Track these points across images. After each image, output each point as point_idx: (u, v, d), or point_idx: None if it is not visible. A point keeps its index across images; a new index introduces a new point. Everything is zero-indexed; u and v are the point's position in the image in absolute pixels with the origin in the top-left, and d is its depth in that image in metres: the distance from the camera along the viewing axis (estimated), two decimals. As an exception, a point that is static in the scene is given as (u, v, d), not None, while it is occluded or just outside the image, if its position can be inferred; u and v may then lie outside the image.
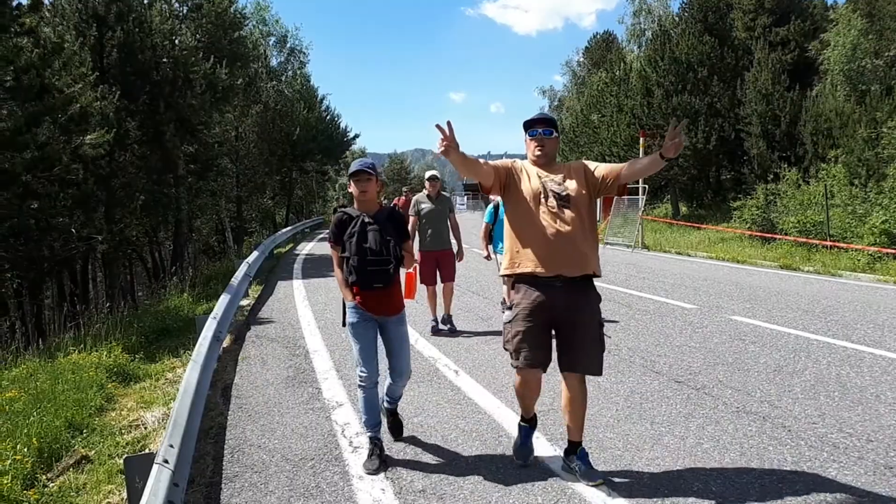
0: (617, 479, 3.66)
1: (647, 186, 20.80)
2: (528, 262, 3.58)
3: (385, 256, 3.90)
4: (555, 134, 3.78)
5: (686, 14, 29.16)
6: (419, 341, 7.22)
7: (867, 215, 14.44)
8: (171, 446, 3.42)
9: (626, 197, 21.80)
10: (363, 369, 4.05)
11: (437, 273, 7.72)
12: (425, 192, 7.66)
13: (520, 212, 3.66)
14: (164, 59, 17.63)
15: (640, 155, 20.71)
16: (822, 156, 20.50)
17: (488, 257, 7.57)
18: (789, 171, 19.47)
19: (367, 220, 3.94)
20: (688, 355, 6.37)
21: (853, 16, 25.37)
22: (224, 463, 4.13)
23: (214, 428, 4.79)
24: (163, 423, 4.98)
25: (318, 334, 7.77)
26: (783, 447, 4.06)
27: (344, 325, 4.09)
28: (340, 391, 5.48)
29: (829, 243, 14.65)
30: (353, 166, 4.02)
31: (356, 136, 43.57)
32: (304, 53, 39.89)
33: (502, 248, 6.36)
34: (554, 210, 3.56)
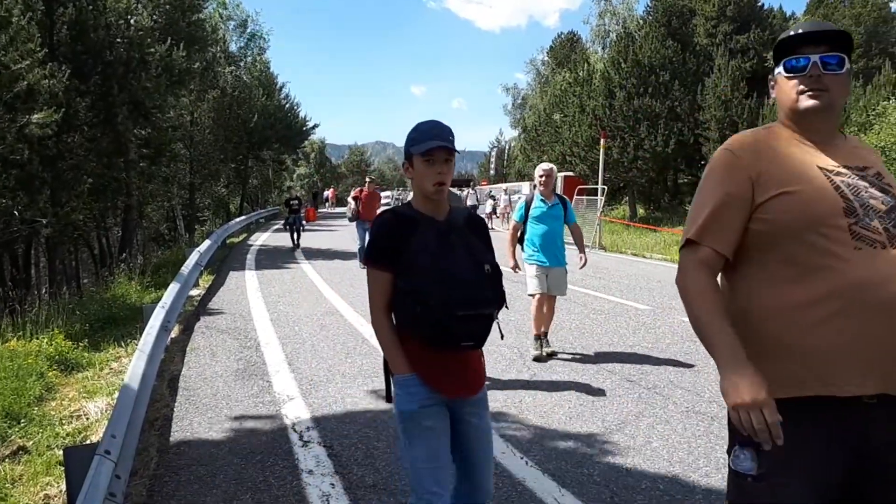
0: (568, 477, 3.66)
1: (605, 188, 21.05)
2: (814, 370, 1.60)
3: (486, 291, 2.32)
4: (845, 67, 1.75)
5: (650, 18, 29.62)
6: (373, 337, 7.12)
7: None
8: (114, 437, 3.29)
9: (584, 198, 22.08)
10: (435, 488, 2.30)
11: None
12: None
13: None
14: (119, 39, 17.06)
15: (601, 156, 20.93)
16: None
17: (516, 268, 6.11)
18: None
19: (445, 226, 2.37)
20: (640, 355, 6.44)
21: (810, 28, 26.08)
22: (169, 455, 4.01)
23: (160, 420, 4.64)
24: (106, 413, 4.81)
25: (270, 327, 7.63)
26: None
27: (389, 400, 2.48)
28: (292, 385, 5.38)
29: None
30: (422, 136, 2.31)
31: (315, 125, 42.98)
32: (265, 39, 39.15)
33: (532, 254, 6.17)
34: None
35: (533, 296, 6.19)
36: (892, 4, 37.76)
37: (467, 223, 2.48)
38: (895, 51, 30.00)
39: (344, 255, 15.58)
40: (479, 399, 2.48)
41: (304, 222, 17.48)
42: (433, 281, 2.23)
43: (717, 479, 3.67)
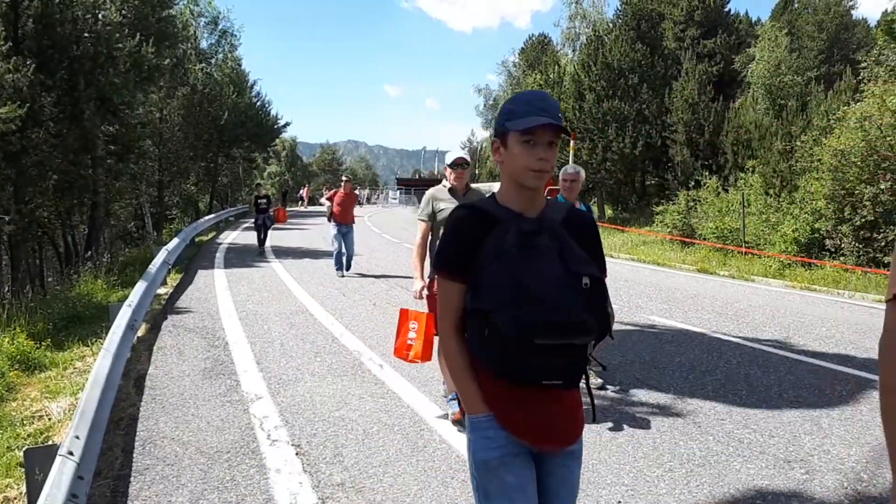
0: (535, 473, 3.70)
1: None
2: None
3: (580, 314, 1.74)
4: None
5: (620, 21, 29.91)
6: (344, 335, 7.13)
7: (779, 224, 15.18)
8: (77, 437, 3.26)
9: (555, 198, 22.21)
10: None
11: None
12: (445, 184, 4.74)
13: None
14: (86, 34, 16.72)
15: (570, 158, 21.11)
16: (741, 165, 21.41)
17: None
18: (710, 178, 20.26)
19: (533, 226, 1.83)
20: (607, 353, 6.53)
21: (780, 33, 26.61)
22: (134, 455, 3.97)
23: (125, 419, 4.59)
24: (69, 414, 4.74)
25: (238, 325, 7.57)
26: (693, 442, 4.21)
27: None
28: (260, 384, 5.35)
29: (743, 249, 15.32)
30: (523, 109, 1.86)
31: (287, 124, 42.62)
32: (236, 37, 38.66)
33: None
34: None
35: None
36: (853, 12, 38.63)
37: (566, 222, 1.87)
38: (856, 57, 30.70)
39: (314, 254, 15.50)
40: (573, 450, 1.95)
41: (272, 222, 16.34)
42: (506, 298, 1.70)
43: (681, 473, 3.75)
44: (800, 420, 4.67)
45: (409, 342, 4.29)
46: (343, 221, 11.74)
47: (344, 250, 11.74)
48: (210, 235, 22.17)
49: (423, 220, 4.68)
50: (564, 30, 43.61)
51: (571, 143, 21.28)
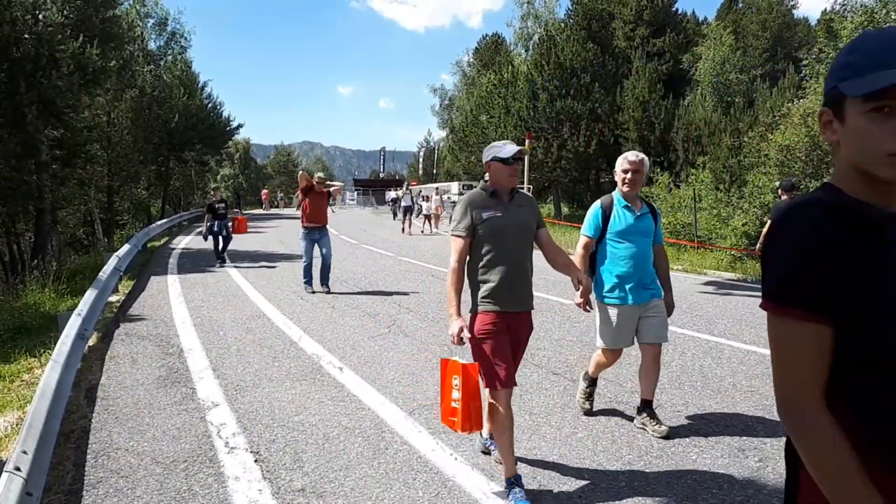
0: (497, 471, 3.72)
1: (531, 186, 21.42)
2: None
3: None
4: None
5: (571, 21, 30.33)
6: (303, 338, 7.06)
7: (730, 218, 15.57)
8: (25, 452, 3.16)
9: (511, 196, 22.41)
10: None
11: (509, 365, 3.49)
12: (485, 186, 3.60)
13: None
14: (26, 35, 16.22)
15: (526, 157, 21.30)
16: (691, 162, 21.91)
17: (586, 305, 3.93)
18: (662, 175, 20.67)
19: None
20: (566, 348, 6.61)
21: (724, 32, 27.31)
22: (86, 468, 3.85)
23: (76, 432, 4.45)
24: (16, 428, 4.57)
25: (193, 332, 7.42)
26: (651, 434, 4.29)
27: None
28: (216, 391, 5.25)
29: (696, 244, 15.68)
30: (875, 61, 1.14)
31: (240, 125, 42.02)
32: (186, 38, 37.98)
33: (612, 290, 4.29)
34: None
35: (604, 350, 4.48)
36: (794, 11, 39.93)
37: None
38: (798, 55, 31.72)
39: (270, 258, 15.30)
40: None
41: (229, 234, 14.36)
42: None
43: (640, 465, 3.82)
44: (753, 409, 4.80)
45: (453, 405, 3.33)
46: (315, 224, 10.20)
47: (314, 258, 10.23)
48: (163, 241, 21.69)
49: (459, 236, 3.45)
50: (517, 30, 44.04)
51: (527, 141, 21.49)
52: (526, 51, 42.08)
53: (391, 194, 42.79)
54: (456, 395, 3.31)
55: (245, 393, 5.19)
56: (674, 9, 31.86)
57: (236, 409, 4.82)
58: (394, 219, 34.35)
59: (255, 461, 3.90)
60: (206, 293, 10.15)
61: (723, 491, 3.51)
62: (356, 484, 3.59)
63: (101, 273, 9.27)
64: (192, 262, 14.61)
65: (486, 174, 3.63)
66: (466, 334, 3.38)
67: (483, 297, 3.48)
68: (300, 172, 10.98)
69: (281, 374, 5.70)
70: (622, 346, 4.40)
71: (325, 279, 10.26)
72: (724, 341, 6.98)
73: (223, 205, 14.41)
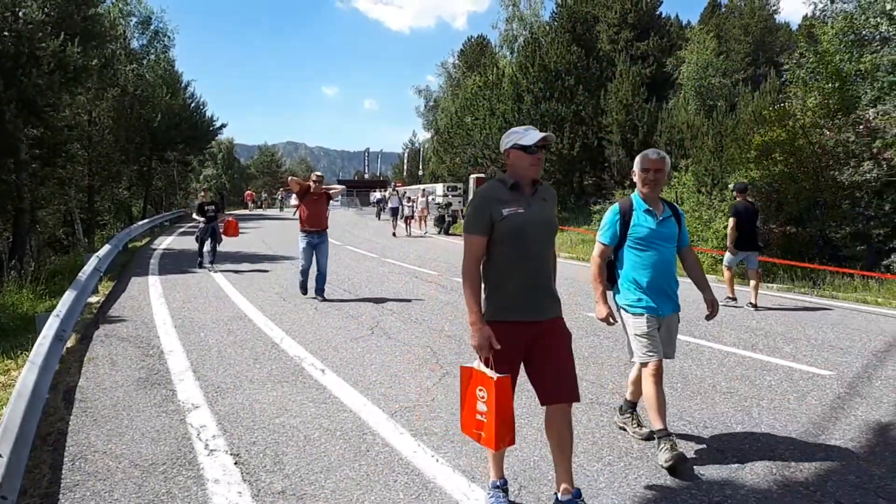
0: (478, 472, 3.73)
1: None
2: None
3: None
4: None
5: (556, 24, 30.44)
6: (284, 340, 7.02)
7: (711, 221, 15.70)
8: (0, 455, 3.11)
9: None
10: None
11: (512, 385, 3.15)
12: (504, 178, 3.18)
13: None
14: (6, 33, 16.00)
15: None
16: (674, 164, 22.08)
17: (610, 318, 3.96)
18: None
19: None
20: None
21: (707, 37, 27.57)
22: (63, 471, 3.80)
23: (53, 434, 4.40)
24: (-9, 431, 4.51)
25: (173, 333, 7.35)
26: (631, 436, 4.31)
27: None
28: (197, 393, 5.21)
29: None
30: None
31: (223, 125, 41.73)
32: (170, 37, 37.71)
33: (636, 299, 3.99)
34: None
35: (645, 364, 3.99)
36: (776, 16, 40.38)
37: None
38: (780, 60, 32.07)
39: (253, 258, 15.21)
40: None
41: (218, 238, 13.65)
42: None
43: (620, 466, 3.84)
44: (732, 411, 4.84)
45: (478, 417, 3.03)
46: (313, 228, 9.56)
47: (313, 266, 9.61)
48: (144, 241, 21.51)
49: (476, 235, 3.05)
50: (502, 32, 44.18)
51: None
52: (511, 53, 42.21)
53: (375, 195, 42.64)
54: (482, 407, 2.99)
55: (226, 395, 5.15)
56: (658, 12, 32.11)
57: (217, 411, 4.78)
58: (378, 219, 34.30)
59: (236, 463, 3.87)
60: (188, 294, 10.07)
61: (701, 491, 3.54)
62: (337, 486, 3.57)
63: (80, 274, 9.17)
64: (174, 263, 14.49)
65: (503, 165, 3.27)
66: (496, 345, 2.98)
67: (499, 306, 3.08)
68: (290, 179, 10.07)
69: (262, 376, 5.67)
70: (654, 358, 3.93)
71: (320, 288, 9.62)
72: (704, 343, 7.03)
73: (213, 207, 13.71)
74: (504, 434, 2.97)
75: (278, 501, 3.41)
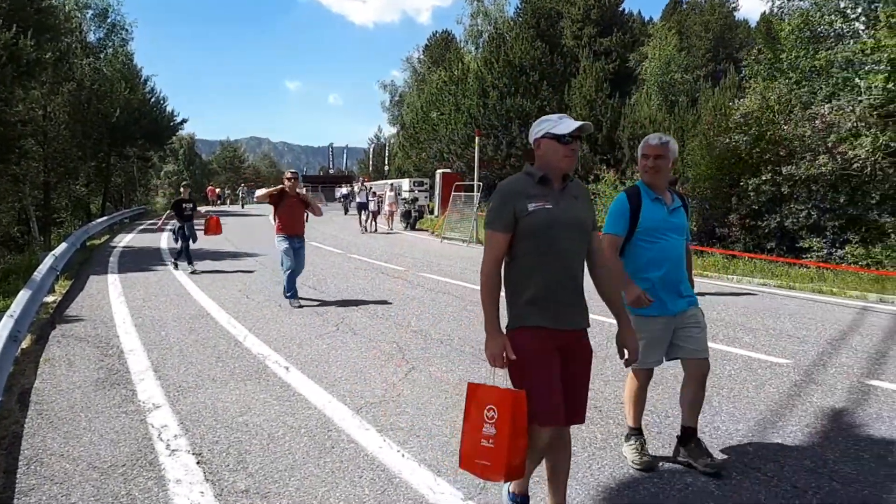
0: (444, 466, 3.73)
1: (481, 184, 21.53)
2: None
3: None
4: None
5: (520, 19, 30.55)
6: (248, 338, 6.93)
7: (673, 214, 15.96)
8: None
9: (462, 194, 22.50)
10: None
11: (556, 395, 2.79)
12: (531, 171, 2.87)
13: None
14: (-46, 25, 15.52)
15: (476, 153, 21.43)
16: (637, 159, 22.36)
17: (644, 298, 3.57)
18: (608, 172, 21.03)
19: None
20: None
21: (669, 33, 27.96)
22: (18, 476, 3.69)
23: (7, 438, 4.27)
24: (-58, 435, 4.36)
25: (134, 332, 7.21)
26: (595, 426, 4.36)
27: None
28: (158, 392, 5.11)
29: (640, 239, 16.01)
30: None
31: (184, 120, 41.04)
32: (127, 30, 36.87)
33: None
34: None
35: (637, 370, 3.81)
36: (735, 13, 41.14)
37: None
38: (739, 56, 32.66)
39: (216, 255, 14.97)
40: None
41: (193, 237, 12.85)
42: None
43: (584, 457, 3.87)
44: (693, 399, 4.92)
45: (483, 443, 2.60)
46: (293, 233, 8.92)
47: (294, 267, 8.97)
48: (103, 239, 21.03)
49: (497, 232, 2.77)
50: (467, 27, 44.18)
51: (476, 139, 21.60)
52: (476, 48, 42.26)
53: (342, 190, 42.32)
54: (489, 430, 2.58)
55: (187, 394, 5.07)
56: (620, 9, 32.43)
57: (178, 410, 4.70)
58: (345, 214, 34.06)
59: (198, 463, 3.81)
60: (148, 292, 9.88)
61: (663, 480, 3.59)
62: (301, 483, 3.54)
63: (35, 273, 8.93)
64: (134, 261, 14.20)
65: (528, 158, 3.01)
66: (511, 355, 2.70)
67: (524, 310, 2.79)
68: (258, 194, 9.28)
69: (225, 375, 5.59)
70: (652, 364, 3.74)
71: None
72: (667, 334, 7.14)
73: (191, 205, 12.99)
74: (515, 461, 2.57)
75: (242, 500, 3.36)
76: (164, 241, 18.94)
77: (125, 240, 20.29)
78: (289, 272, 8.87)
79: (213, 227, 13.67)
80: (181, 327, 7.44)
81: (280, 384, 5.33)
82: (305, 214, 9.24)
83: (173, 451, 3.99)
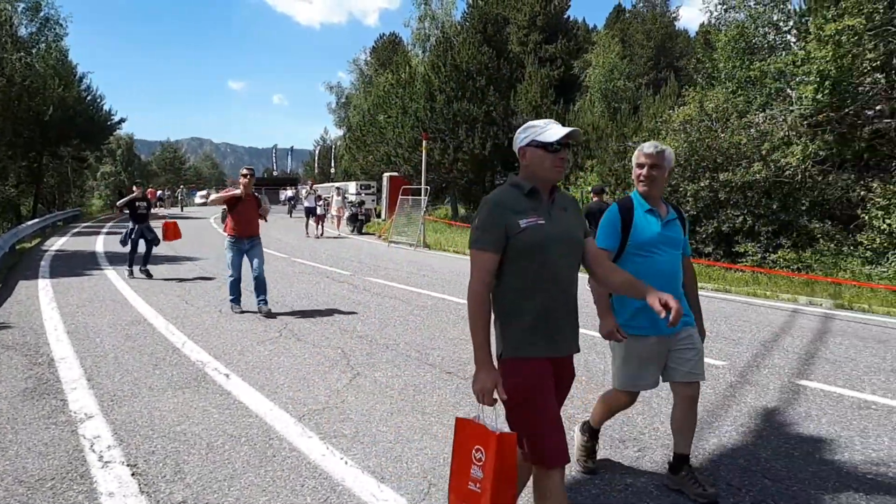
0: (387, 472, 3.69)
1: (429, 188, 21.54)
2: None
3: None
4: None
5: (467, 24, 30.71)
6: (186, 344, 6.75)
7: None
8: None
9: (410, 197, 22.46)
10: None
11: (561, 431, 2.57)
12: (519, 182, 2.65)
13: None
14: None
15: (423, 157, 21.42)
16: (580, 165, 22.76)
17: (619, 333, 3.29)
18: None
19: None
20: (459, 347, 6.67)
21: (612, 41, 28.56)
22: (-64, 493, 3.50)
23: (-75, 453, 4.04)
24: None
25: (66, 340, 6.92)
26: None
27: None
28: (91, 402, 4.92)
29: (584, 243, 16.29)
30: None
31: (122, 120, 39.81)
32: (62, 25, 35.52)
33: (633, 316, 3.41)
34: None
35: (623, 392, 3.62)
36: (675, 23, 42.32)
37: None
38: (679, 65, 33.62)
39: (153, 260, 14.53)
40: None
41: (155, 239, 12.05)
42: None
43: (527, 461, 3.90)
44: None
45: (470, 486, 2.40)
46: (243, 235, 8.54)
47: (243, 274, 8.64)
48: (34, 242, 20.19)
49: (486, 252, 2.52)
50: (414, 30, 44.19)
51: (424, 142, 21.60)
52: (423, 52, 42.29)
53: (287, 193, 41.68)
54: (477, 473, 2.38)
55: (122, 403, 4.89)
56: (566, 16, 32.93)
57: (112, 420, 4.53)
58: (290, 217, 33.56)
59: (133, 475, 3.68)
60: (82, 298, 9.52)
61: (604, 481, 3.65)
62: (241, 493, 3.46)
63: (-41, 277, 8.50)
64: (67, 266, 13.67)
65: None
66: (503, 394, 2.46)
67: (519, 337, 2.54)
68: (213, 197, 8.95)
69: (162, 383, 5.42)
70: (645, 387, 3.52)
71: (262, 299, 8.43)
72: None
73: (145, 203, 12.15)
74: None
75: (178, 513, 3.26)
76: (101, 244, 18.32)
77: (58, 243, 19.52)
78: (232, 279, 8.57)
79: (173, 232, 12.90)
80: (117, 334, 7.19)
81: (220, 392, 5.20)
82: (259, 217, 8.87)
83: (106, 462, 3.84)
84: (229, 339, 6.98)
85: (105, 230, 24.63)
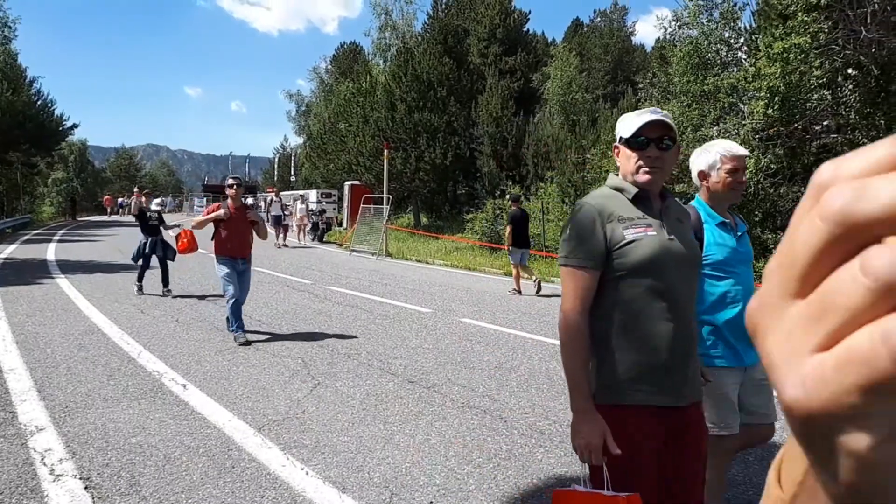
0: (349, 482, 3.68)
1: (391, 197, 21.52)
2: None
3: None
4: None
5: (428, 35, 30.86)
6: (142, 354, 6.60)
7: (575, 229, 16.51)
8: None
9: (371, 206, 22.40)
10: None
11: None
12: (618, 184, 2.10)
13: None
14: None
15: (385, 166, 21.38)
16: (540, 176, 22.99)
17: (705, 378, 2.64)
18: (514, 188, 21.55)
19: None
20: (421, 356, 6.68)
21: (570, 54, 28.99)
22: None
23: None
24: None
25: (14, 350, 6.71)
26: (500, 437, 4.43)
27: None
28: (42, 414, 4.78)
29: (544, 253, 16.46)
30: None
31: (74, 125, 38.75)
32: (10, 28, 34.60)
33: (715, 346, 2.76)
34: None
35: (722, 437, 2.78)
36: (632, 38, 43.21)
37: None
38: (636, 79, 34.26)
39: (108, 268, 14.22)
40: None
41: (172, 253, 10.78)
42: None
43: (489, 468, 3.92)
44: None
45: None
46: (238, 255, 7.43)
47: (238, 294, 7.38)
48: (-19, 250, 19.51)
49: (583, 269, 2.00)
50: (375, 40, 44.19)
51: (385, 152, 21.58)
52: (384, 61, 42.29)
53: (247, 201, 41.04)
54: None
55: (75, 415, 4.76)
56: (525, 29, 33.32)
57: (64, 432, 4.41)
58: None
59: (86, 488, 3.58)
60: (32, 307, 9.24)
61: (568, 487, 3.68)
62: (199, 506, 3.40)
63: None
64: (16, 274, 13.24)
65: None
66: (615, 448, 1.91)
67: (623, 381, 1.98)
68: (197, 220, 7.82)
69: (117, 394, 5.29)
70: (735, 427, 2.79)
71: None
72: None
73: (156, 214, 11.03)
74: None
75: (133, 526, 3.19)
76: (52, 252, 17.82)
77: (7, 251, 18.89)
78: (233, 300, 7.29)
79: (188, 244, 10.01)
80: (69, 344, 6.99)
81: (177, 402, 5.10)
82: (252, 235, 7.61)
83: (58, 476, 3.74)
84: (186, 349, 6.86)
85: (57, 238, 23.94)
